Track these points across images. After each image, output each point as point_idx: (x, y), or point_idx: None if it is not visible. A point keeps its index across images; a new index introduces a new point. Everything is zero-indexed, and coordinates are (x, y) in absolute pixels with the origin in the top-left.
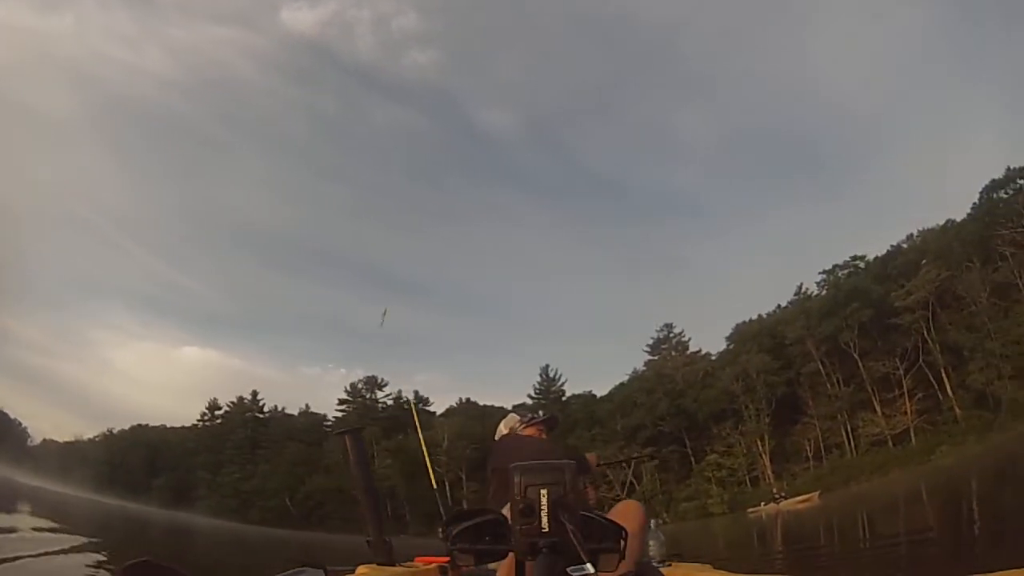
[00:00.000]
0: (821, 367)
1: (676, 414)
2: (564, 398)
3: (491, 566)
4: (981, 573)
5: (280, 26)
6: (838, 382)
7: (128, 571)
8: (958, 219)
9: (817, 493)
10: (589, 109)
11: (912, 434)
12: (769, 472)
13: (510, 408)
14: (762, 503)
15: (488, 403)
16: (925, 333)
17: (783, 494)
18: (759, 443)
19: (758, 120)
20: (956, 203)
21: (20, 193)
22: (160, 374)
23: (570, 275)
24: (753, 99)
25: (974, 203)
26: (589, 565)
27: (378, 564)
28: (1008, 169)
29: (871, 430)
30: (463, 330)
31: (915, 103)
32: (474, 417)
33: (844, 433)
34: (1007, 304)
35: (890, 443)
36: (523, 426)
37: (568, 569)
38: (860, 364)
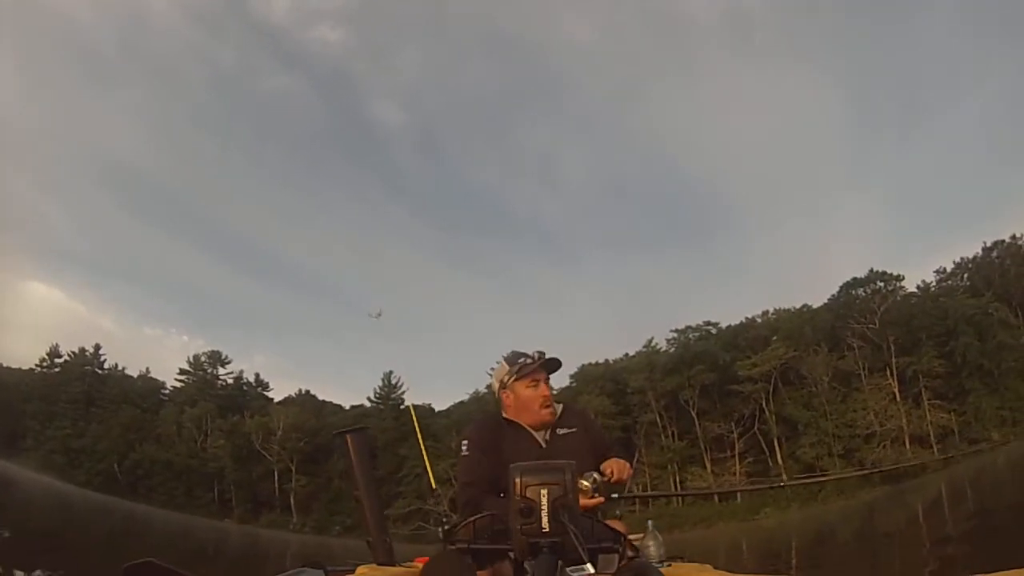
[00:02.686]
0: (658, 419)
1: None
2: (402, 406)
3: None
4: (981, 573)
5: None
6: (673, 435)
7: (129, 571)
8: (814, 306)
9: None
10: (479, 125)
11: (738, 493)
12: None
13: (347, 407)
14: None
15: (327, 399)
16: (764, 404)
17: None
18: None
19: (641, 171)
20: (815, 291)
21: None
22: (2, 306)
23: (427, 281)
24: (639, 150)
25: (832, 294)
26: (589, 565)
27: (378, 564)
28: (871, 271)
29: (698, 484)
30: (311, 317)
31: (797, 189)
32: (311, 410)
33: (672, 483)
34: (846, 391)
35: (716, 499)
36: (512, 378)
37: (568, 569)
38: (696, 422)
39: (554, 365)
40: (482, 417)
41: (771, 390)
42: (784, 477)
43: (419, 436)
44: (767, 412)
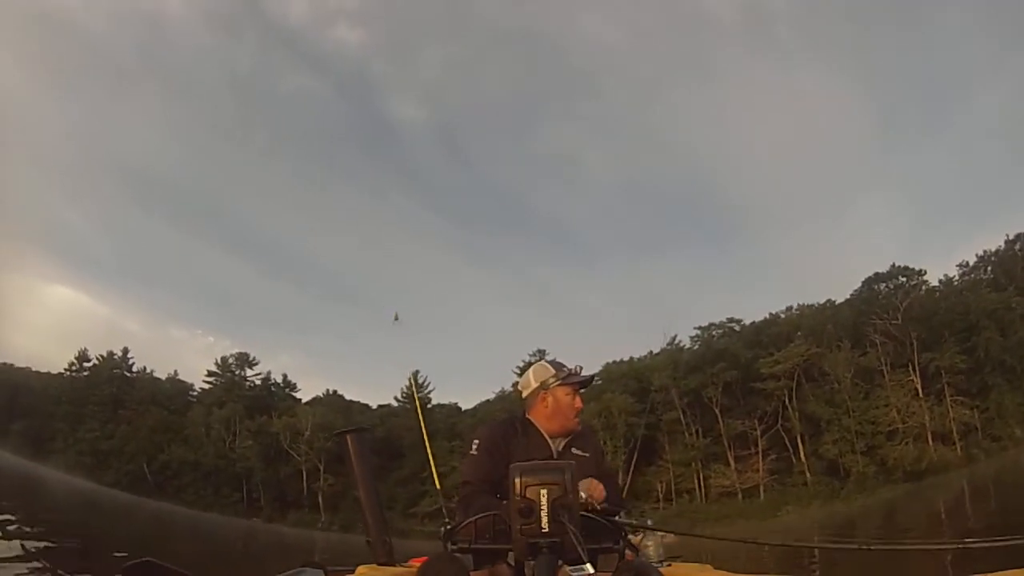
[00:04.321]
0: (682, 416)
1: None
2: (429, 405)
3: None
4: (981, 573)
5: None
6: (697, 433)
7: (129, 571)
8: (837, 301)
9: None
10: (501, 124)
11: (761, 490)
12: None
13: (374, 407)
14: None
15: (354, 398)
16: (787, 401)
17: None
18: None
19: (662, 169)
20: (838, 286)
21: None
22: (29, 311)
23: (452, 282)
24: (661, 148)
25: (855, 290)
26: (589, 565)
27: (378, 564)
28: (893, 265)
29: (722, 481)
30: (337, 317)
31: (819, 184)
32: (338, 410)
33: (696, 480)
34: (868, 387)
35: (740, 496)
36: (556, 383)
37: (568, 569)
38: (720, 419)
39: (590, 383)
40: (497, 419)
41: (794, 387)
42: (808, 475)
43: (425, 438)
44: (790, 409)
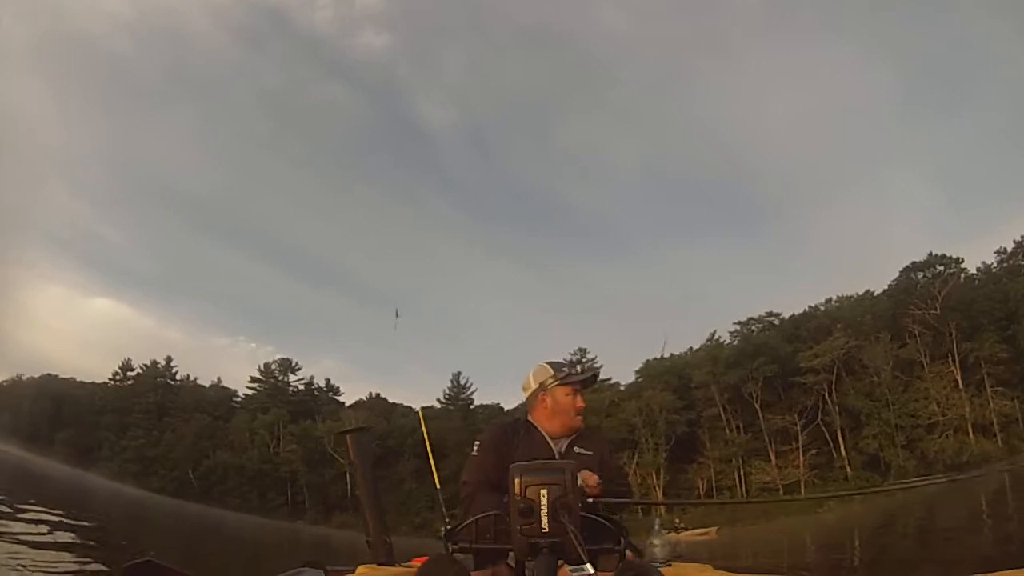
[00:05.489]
0: (722, 412)
1: None
2: (472, 406)
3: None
4: (981, 573)
5: None
6: (737, 429)
7: (129, 571)
8: (875, 292)
9: (716, 528)
10: (528, 122)
11: (802, 486)
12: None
13: (417, 408)
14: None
15: (398, 401)
16: (826, 395)
17: (683, 525)
18: (654, 476)
19: (694, 161)
20: (876, 277)
21: None
22: (71, 323)
23: (487, 282)
24: (694, 142)
25: (892, 280)
26: (589, 565)
27: (378, 564)
28: (930, 254)
29: (762, 477)
30: (379, 321)
31: (852, 171)
32: (381, 413)
33: (737, 477)
34: (908, 379)
35: (781, 492)
36: (555, 383)
37: (568, 569)
38: (760, 415)
39: (593, 382)
40: (501, 421)
41: (833, 380)
42: (849, 470)
43: (427, 442)
44: (830, 403)
